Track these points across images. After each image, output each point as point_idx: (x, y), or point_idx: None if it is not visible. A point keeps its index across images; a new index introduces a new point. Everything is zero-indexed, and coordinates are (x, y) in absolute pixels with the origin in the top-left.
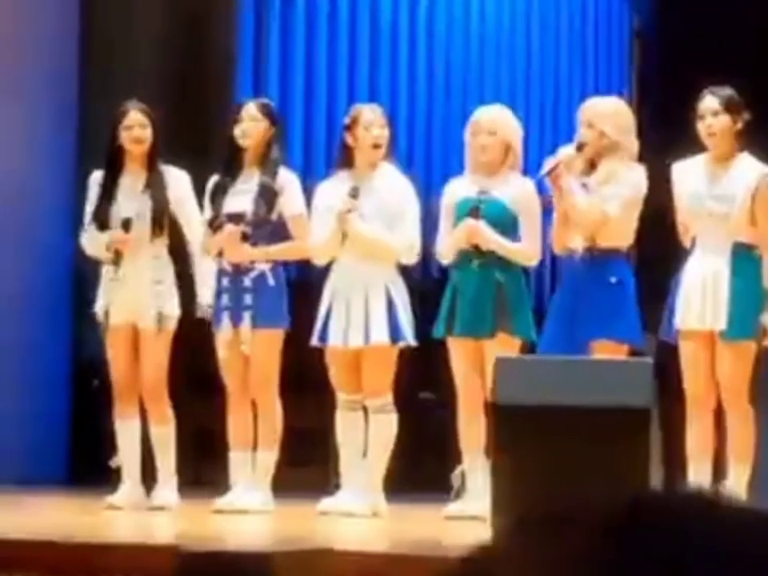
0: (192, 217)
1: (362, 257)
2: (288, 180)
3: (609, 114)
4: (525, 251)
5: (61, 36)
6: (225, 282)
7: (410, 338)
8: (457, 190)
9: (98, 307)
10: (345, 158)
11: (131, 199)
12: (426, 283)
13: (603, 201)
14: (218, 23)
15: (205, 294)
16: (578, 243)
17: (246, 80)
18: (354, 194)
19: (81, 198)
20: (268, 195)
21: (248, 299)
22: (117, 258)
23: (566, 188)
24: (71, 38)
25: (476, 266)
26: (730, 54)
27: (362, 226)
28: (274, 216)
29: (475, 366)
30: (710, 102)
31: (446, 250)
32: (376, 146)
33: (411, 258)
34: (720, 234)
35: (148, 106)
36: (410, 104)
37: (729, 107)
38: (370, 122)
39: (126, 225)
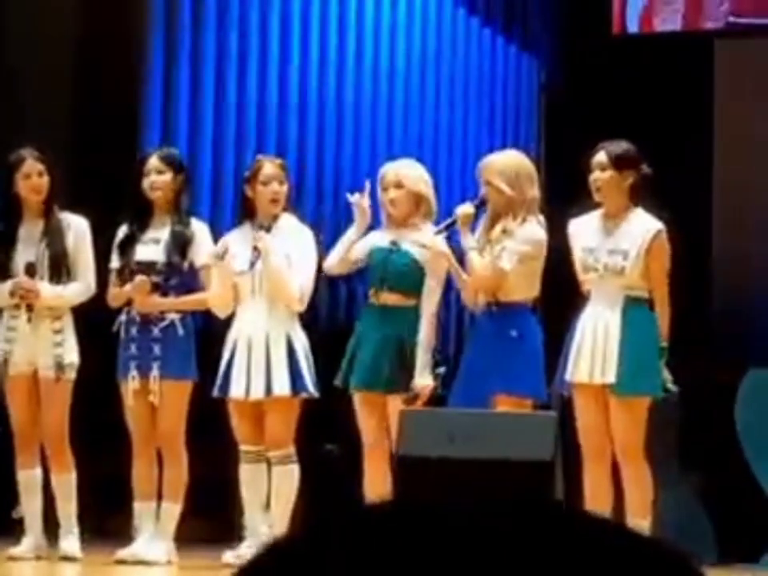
0: (83, 264)
1: (265, 303)
2: (199, 230)
3: (502, 170)
4: (424, 307)
5: None
6: (133, 331)
7: (311, 390)
8: (370, 240)
9: None
10: (246, 210)
11: (29, 247)
12: (331, 331)
13: (496, 258)
14: (127, 71)
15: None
16: (479, 299)
17: (155, 129)
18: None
19: None
20: (181, 244)
21: (157, 350)
22: (29, 306)
23: (462, 247)
24: None
25: (379, 321)
26: (635, 108)
27: (274, 257)
28: (185, 265)
29: (381, 417)
30: (599, 156)
31: (338, 263)
32: (273, 201)
33: (300, 306)
34: (613, 288)
35: (50, 152)
36: (317, 156)
37: (617, 162)
38: (269, 177)
39: (30, 269)
